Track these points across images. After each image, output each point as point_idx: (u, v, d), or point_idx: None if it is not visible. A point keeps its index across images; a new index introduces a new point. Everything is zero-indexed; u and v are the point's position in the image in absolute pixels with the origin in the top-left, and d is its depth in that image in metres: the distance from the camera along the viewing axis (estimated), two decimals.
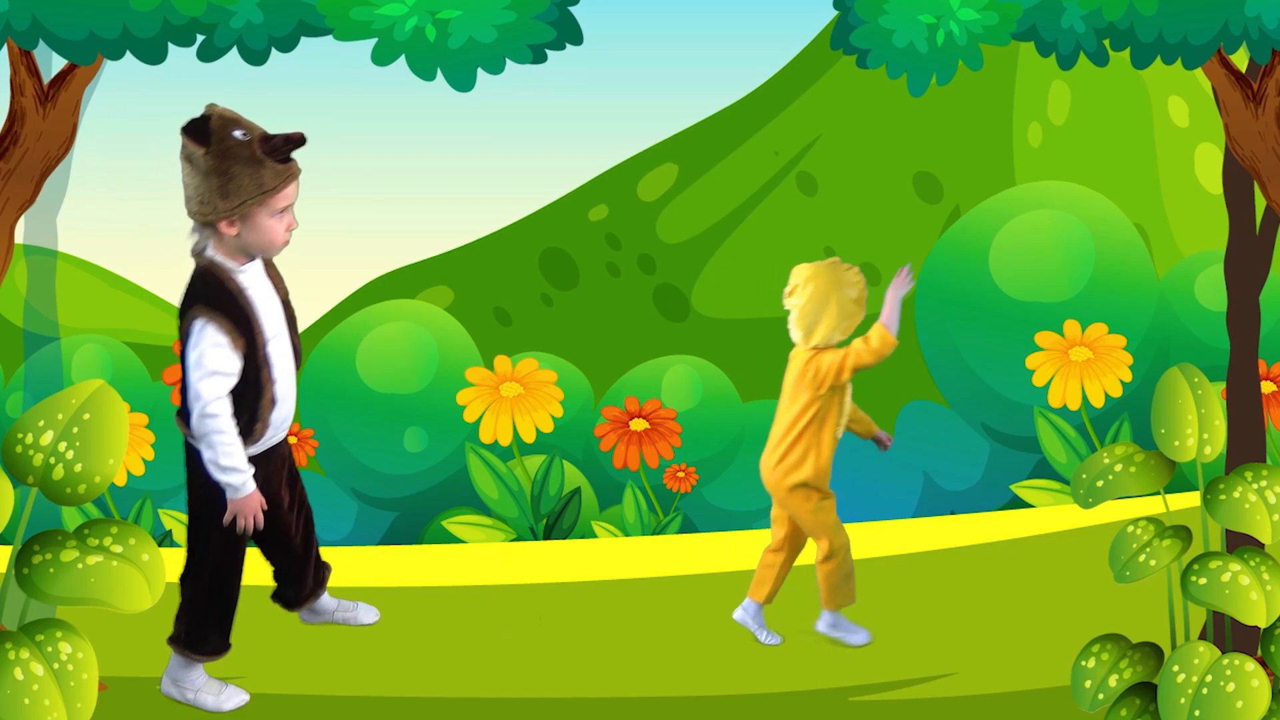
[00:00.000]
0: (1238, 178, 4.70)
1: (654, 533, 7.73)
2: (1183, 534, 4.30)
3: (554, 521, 7.67)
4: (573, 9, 3.79)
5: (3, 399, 7.49)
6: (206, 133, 4.37)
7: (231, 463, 4.47)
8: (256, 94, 4.67)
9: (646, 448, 7.77)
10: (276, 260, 4.67)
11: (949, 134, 8.39)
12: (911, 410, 8.16)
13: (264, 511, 4.62)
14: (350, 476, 7.69)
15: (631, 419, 7.80)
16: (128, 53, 3.76)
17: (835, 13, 3.99)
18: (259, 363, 4.50)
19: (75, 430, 3.92)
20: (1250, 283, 4.69)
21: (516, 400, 7.69)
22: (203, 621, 4.71)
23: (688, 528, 7.80)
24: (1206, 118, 8.18)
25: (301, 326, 4.73)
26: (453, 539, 7.56)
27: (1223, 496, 4.28)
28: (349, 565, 5.62)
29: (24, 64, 4.15)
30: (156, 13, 3.71)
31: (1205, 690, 4.14)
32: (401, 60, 3.75)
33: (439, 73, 3.75)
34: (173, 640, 4.74)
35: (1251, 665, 4.17)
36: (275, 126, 4.64)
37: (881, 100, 8.38)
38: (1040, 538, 6.80)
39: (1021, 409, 7.89)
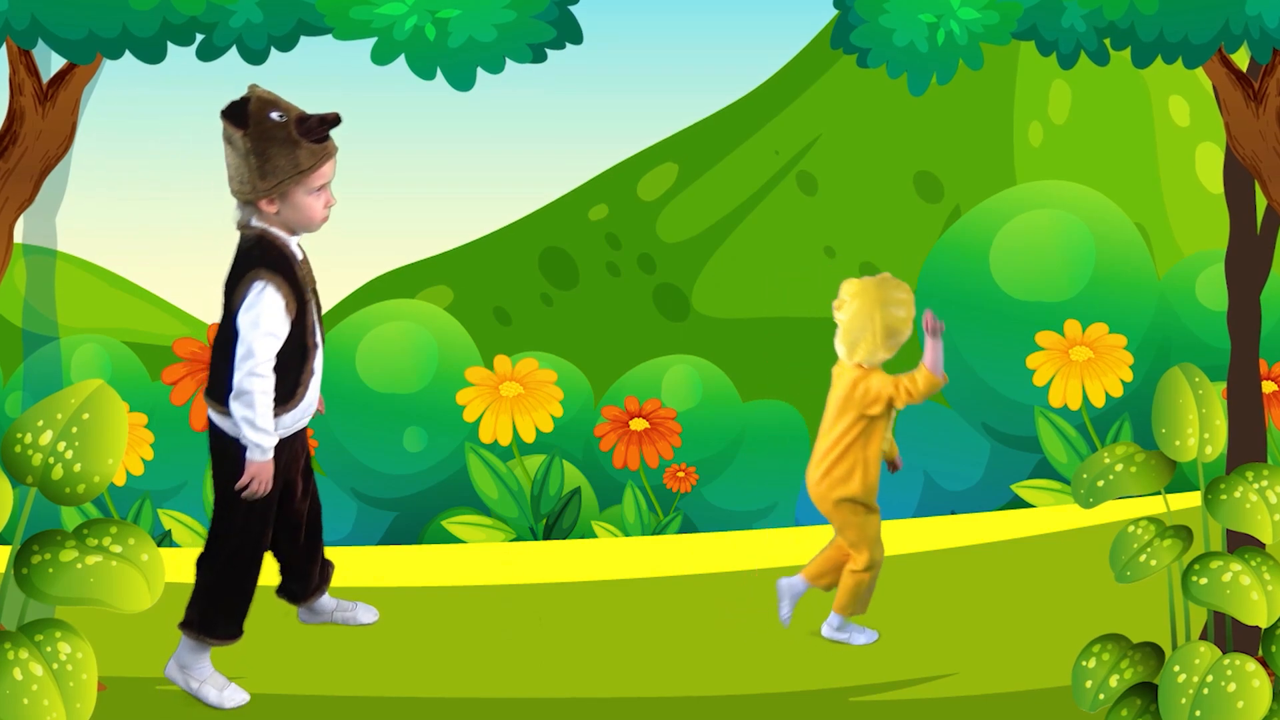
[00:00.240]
0: (1238, 177, 4.69)
1: (654, 533, 7.73)
2: (1183, 534, 4.30)
3: (554, 521, 7.66)
4: (573, 8, 3.79)
5: (2, 399, 7.49)
6: (244, 115, 4.51)
7: (267, 424, 4.56)
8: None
9: (646, 447, 7.77)
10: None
11: (949, 133, 8.39)
12: (912, 410, 8.13)
13: (280, 499, 4.70)
14: (350, 476, 7.69)
15: (631, 419, 7.79)
16: (127, 52, 3.76)
17: (835, 12, 3.98)
18: (305, 328, 4.63)
19: (74, 430, 3.92)
20: (1251, 282, 4.68)
21: (516, 400, 7.68)
22: (217, 605, 4.73)
23: (688, 528, 7.80)
24: (1207, 117, 8.18)
25: None
26: (452, 539, 7.56)
27: (1223, 496, 4.27)
28: (349, 565, 5.61)
29: (23, 63, 4.15)
30: (156, 12, 3.71)
31: (1206, 690, 4.14)
32: (401, 59, 3.74)
33: (439, 72, 3.74)
34: (184, 624, 4.75)
35: (1252, 665, 4.16)
36: None
37: (882, 100, 8.37)
38: (1041, 538, 6.80)
39: (1022, 409, 7.89)
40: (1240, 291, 4.69)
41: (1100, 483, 4.34)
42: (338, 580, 5.20)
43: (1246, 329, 4.68)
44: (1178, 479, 4.46)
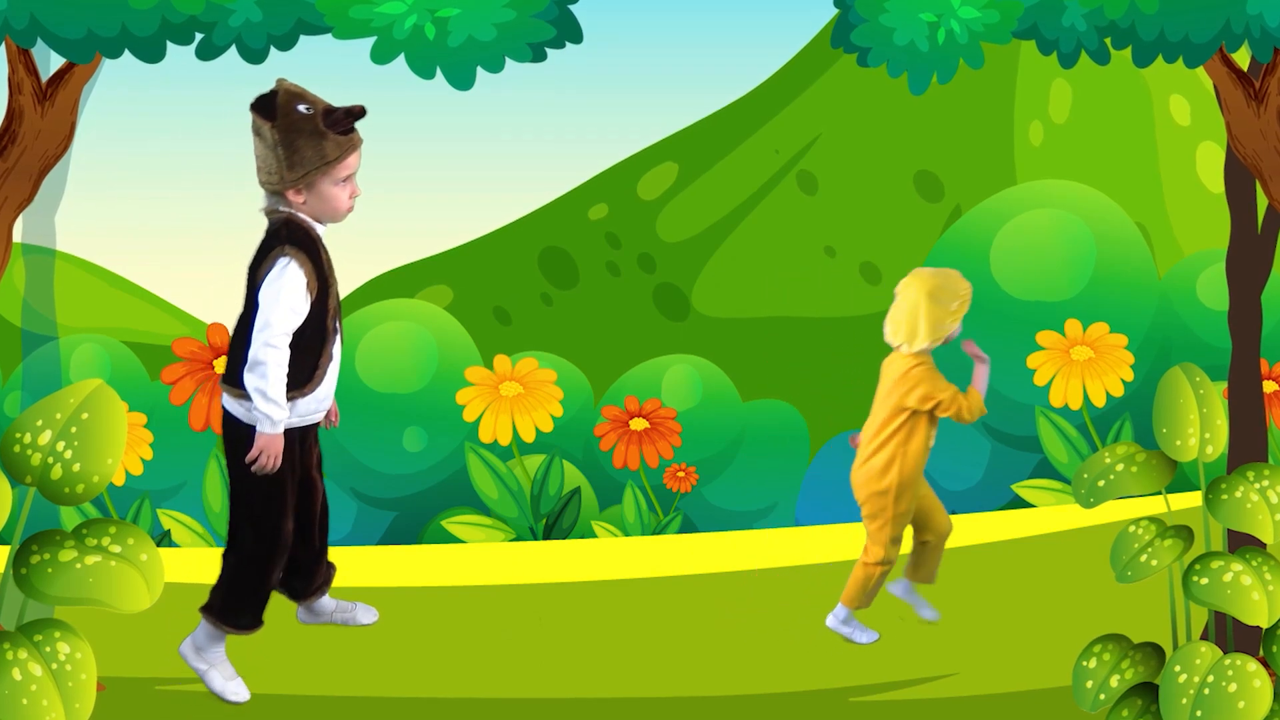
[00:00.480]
0: (1239, 176, 4.69)
1: (654, 533, 7.72)
2: (1184, 534, 4.29)
3: (554, 521, 7.66)
4: (572, 7, 3.78)
5: (1, 398, 7.48)
6: (273, 108, 4.60)
7: (279, 396, 4.61)
8: (255, 93, 4.68)
9: (646, 447, 7.76)
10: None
11: (950, 133, 8.39)
12: None
13: (300, 493, 4.77)
14: (349, 476, 7.68)
15: (631, 418, 7.79)
16: (126, 51, 3.75)
17: (836, 11, 3.97)
18: (326, 311, 4.70)
19: (73, 430, 3.91)
20: (1252, 282, 4.68)
21: (516, 400, 7.68)
22: (239, 595, 4.77)
23: (688, 528, 7.79)
24: (1208, 116, 8.17)
25: None
26: (452, 539, 7.55)
27: (1224, 496, 4.27)
28: (348, 565, 5.61)
29: (22, 62, 4.14)
30: (155, 11, 3.70)
31: (1207, 690, 4.13)
32: (401, 59, 3.74)
33: (438, 71, 3.74)
34: (206, 608, 4.79)
35: (1253, 665, 4.16)
36: None
37: (882, 99, 8.37)
38: (1041, 537, 6.80)
39: (1023, 408, 7.88)
40: (1241, 291, 4.69)
41: (1101, 482, 4.34)
42: (337, 580, 5.20)
43: (1247, 328, 4.68)
44: (1178, 479, 4.46)
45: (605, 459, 7.78)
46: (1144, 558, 4.24)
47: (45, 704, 3.73)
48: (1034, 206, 8.00)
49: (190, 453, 7.49)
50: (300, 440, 4.80)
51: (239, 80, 4.45)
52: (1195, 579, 4.20)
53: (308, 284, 4.64)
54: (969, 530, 6.99)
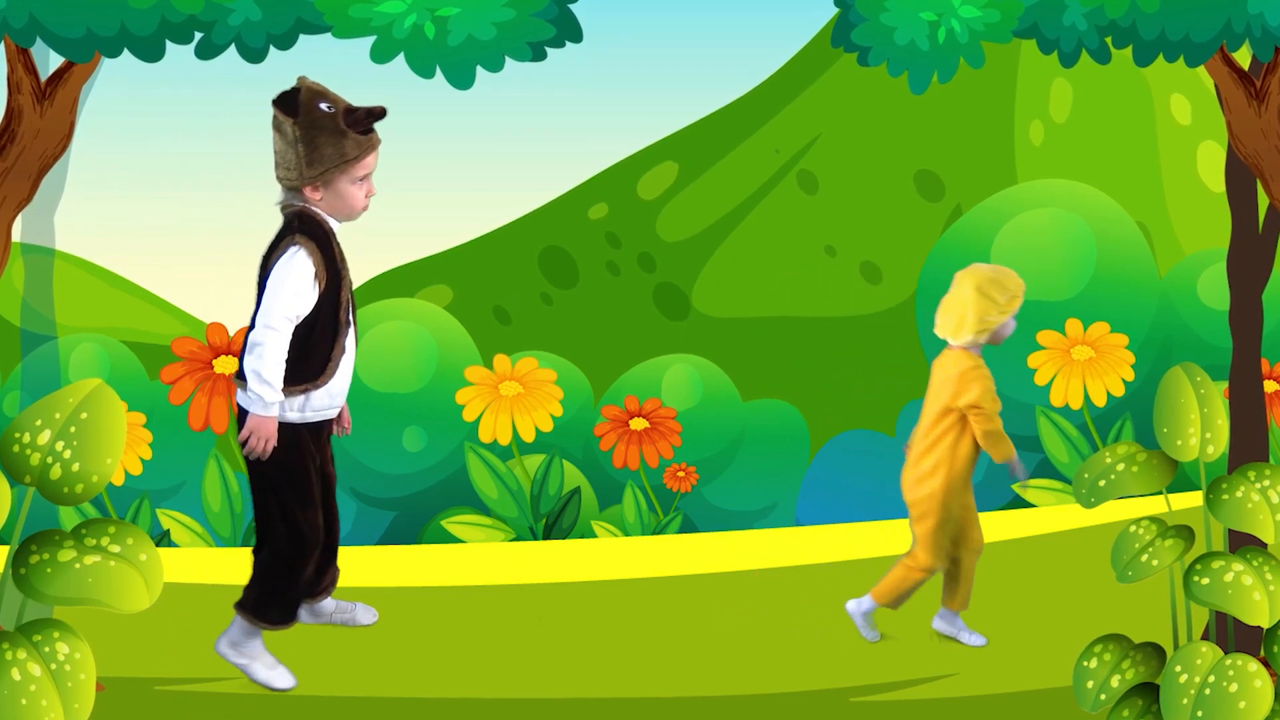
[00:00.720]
0: (1240, 176, 4.69)
1: (654, 532, 7.72)
2: (1185, 534, 4.29)
3: (554, 521, 7.65)
4: (572, 6, 3.78)
5: (0, 398, 7.47)
6: (295, 105, 4.65)
7: (274, 378, 4.63)
8: (254, 92, 4.68)
9: (646, 447, 7.75)
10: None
11: (950, 132, 8.38)
12: (913, 410, 8.12)
13: (318, 488, 4.78)
14: (349, 476, 7.68)
15: (631, 418, 7.78)
16: (125, 50, 3.74)
17: (836, 10, 3.97)
18: (339, 303, 4.72)
19: (73, 430, 3.91)
20: (1253, 281, 4.68)
21: (516, 399, 7.67)
22: (270, 591, 4.78)
23: (688, 528, 7.79)
24: (1209, 115, 8.17)
25: None
26: (452, 539, 7.55)
27: (1225, 496, 4.26)
28: (348, 565, 5.60)
29: (21, 61, 4.14)
30: (154, 10, 3.70)
31: (1208, 691, 4.13)
32: (400, 58, 3.74)
33: (438, 70, 3.73)
34: (239, 605, 4.82)
35: (1254, 666, 4.15)
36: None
37: (882, 98, 8.36)
38: (1042, 537, 6.80)
39: (1023, 408, 7.88)
40: (1242, 290, 4.68)
41: (1102, 482, 4.33)
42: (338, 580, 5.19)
43: (1248, 328, 4.68)
44: (1179, 479, 4.45)
45: (605, 459, 7.77)
46: (1145, 557, 4.24)
47: (44, 704, 3.72)
48: (1035, 206, 8.00)
49: (189, 452, 7.48)
50: (315, 435, 4.81)
51: (238, 80, 4.45)
52: (1196, 579, 4.20)
53: (316, 273, 4.67)
54: None
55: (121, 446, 3.97)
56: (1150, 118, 8.44)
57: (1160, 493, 4.39)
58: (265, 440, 4.66)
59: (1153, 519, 4.34)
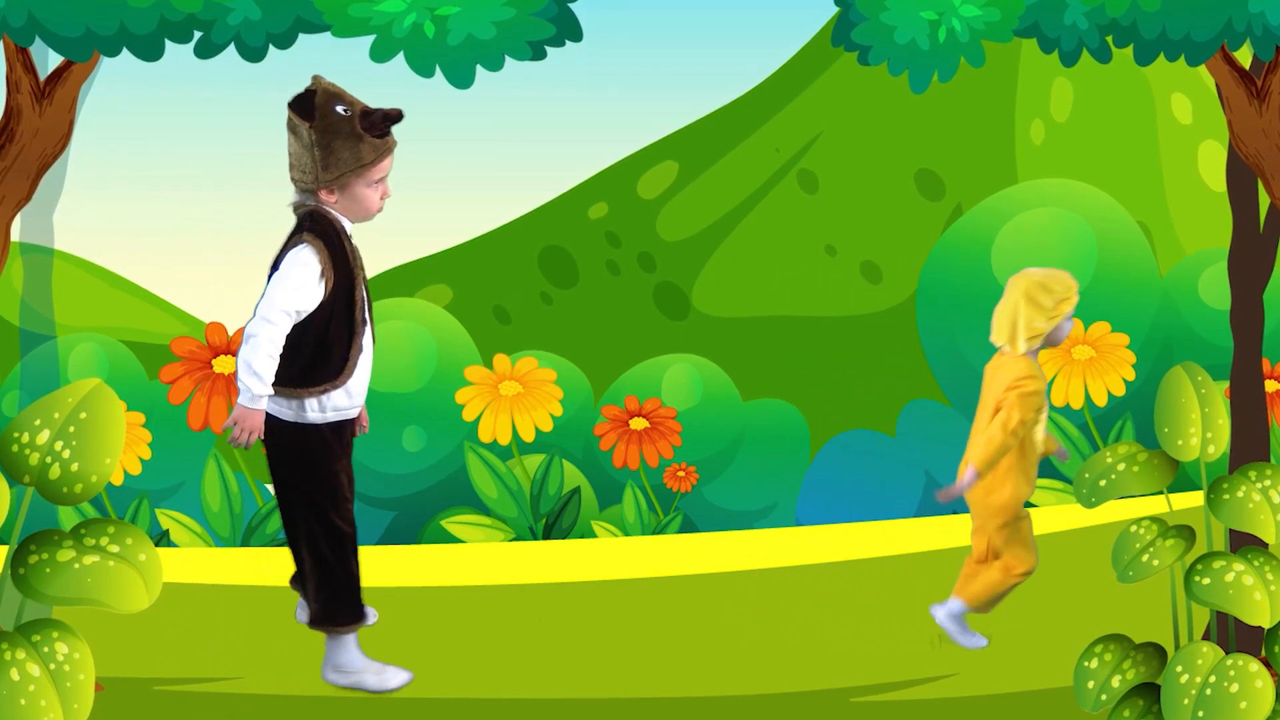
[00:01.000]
0: (1241, 175, 4.68)
1: (654, 532, 7.71)
2: (1186, 534, 4.28)
3: (553, 521, 7.65)
4: (572, 5, 3.77)
5: None
6: (311, 107, 4.61)
7: (262, 370, 4.59)
8: (254, 91, 4.67)
9: (646, 447, 7.75)
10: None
11: (951, 131, 8.38)
12: (914, 409, 8.15)
13: (346, 486, 4.75)
14: None
15: (631, 418, 7.78)
16: (124, 49, 3.74)
17: (836, 9, 3.96)
18: (354, 303, 4.70)
19: (72, 429, 3.90)
20: (1254, 281, 4.67)
21: (516, 399, 7.67)
22: (330, 594, 4.76)
23: (688, 527, 7.78)
24: (1210, 115, 8.17)
25: None
26: (451, 539, 7.54)
27: (1226, 496, 4.26)
28: None
29: (20, 61, 4.13)
30: (153, 9, 3.69)
31: (1209, 691, 4.12)
32: (400, 57, 3.73)
33: (437, 70, 3.73)
34: (314, 622, 4.80)
35: (1255, 666, 4.15)
36: (274, 125, 4.67)
37: (883, 97, 8.36)
38: (1043, 537, 6.75)
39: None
40: (1243, 290, 4.68)
41: (1102, 482, 4.32)
42: None
43: (1249, 328, 4.67)
44: (1180, 478, 4.44)
45: (605, 459, 7.77)
46: (1145, 557, 4.23)
47: (43, 704, 3.71)
48: (1035, 205, 7.99)
49: (189, 452, 7.48)
50: (338, 435, 4.78)
51: (238, 79, 4.44)
52: (1197, 579, 4.19)
53: (321, 270, 4.65)
54: (969, 530, 6.97)
55: (120, 446, 3.96)
56: (1151, 117, 8.44)
57: (1161, 492, 4.38)
58: (249, 432, 4.63)
59: (1154, 519, 4.33)
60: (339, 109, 4.62)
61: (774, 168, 8.54)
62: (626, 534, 7.68)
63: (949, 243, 8.04)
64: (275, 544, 7.42)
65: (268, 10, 3.72)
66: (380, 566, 6.54)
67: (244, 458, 7.52)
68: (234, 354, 7.27)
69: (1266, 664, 4.25)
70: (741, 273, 8.47)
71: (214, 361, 7.27)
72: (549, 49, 3.78)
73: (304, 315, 4.65)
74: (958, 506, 7.94)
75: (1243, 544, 4.42)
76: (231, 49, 3.74)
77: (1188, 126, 8.43)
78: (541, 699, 4.84)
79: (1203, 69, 4.27)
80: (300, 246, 4.65)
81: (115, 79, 4.74)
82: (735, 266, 8.49)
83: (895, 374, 8.14)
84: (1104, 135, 8.38)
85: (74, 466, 3.88)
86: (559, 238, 8.52)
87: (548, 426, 7.68)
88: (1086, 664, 4.31)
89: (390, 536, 7.73)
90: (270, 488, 7.70)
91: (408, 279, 8.31)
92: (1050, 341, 5.18)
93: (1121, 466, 4.33)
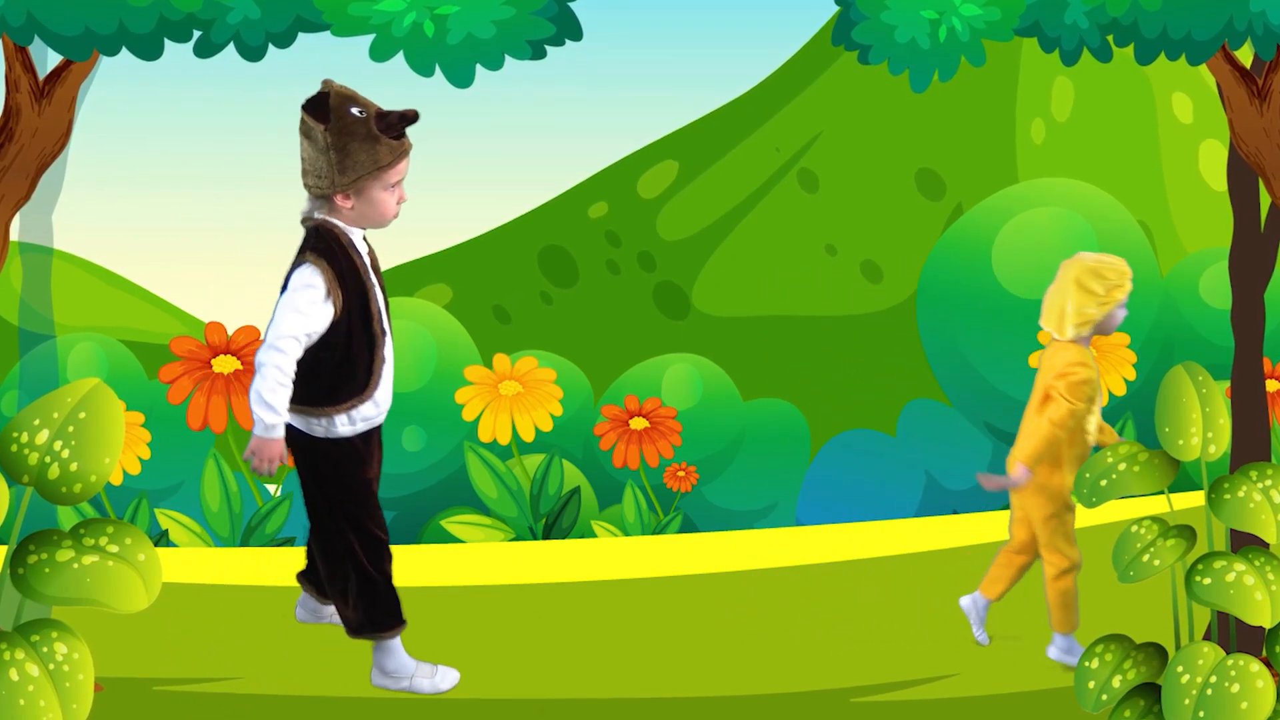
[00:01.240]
0: (1242, 174, 4.68)
1: (654, 532, 7.71)
2: (1187, 534, 4.28)
3: (553, 521, 7.65)
4: (572, 4, 3.77)
5: None
6: (326, 110, 4.52)
7: (274, 400, 4.54)
8: (253, 91, 4.66)
9: (646, 447, 7.75)
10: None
11: (951, 131, 8.38)
12: (914, 409, 8.15)
13: (375, 493, 4.75)
14: None
15: (631, 418, 7.77)
16: (124, 49, 3.73)
17: (836, 8, 3.96)
18: (371, 315, 4.66)
19: (71, 429, 3.89)
20: (1255, 280, 4.67)
21: (516, 399, 7.66)
22: (373, 600, 4.74)
23: (688, 527, 7.78)
24: (1211, 114, 8.17)
25: None
26: (451, 539, 7.54)
27: (1227, 496, 4.25)
28: None
29: (19, 60, 4.13)
30: (153, 8, 3.69)
31: (1210, 691, 4.12)
32: (399, 56, 3.72)
33: (437, 69, 3.72)
34: (354, 631, 4.76)
35: (1256, 666, 4.14)
36: (274, 124, 4.65)
37: (883, 97, 8.36)
38: None
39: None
40: (1244, 289, 4.67)
41: (1103, 482, 4.32)
42: None
43: (1250, 327, 4.67)
44: (1181, 478, 4.44)
45: (605, 458, 7.76)
46: (1146, 557, 4.23)
47: (42, 704, 3.71)
48: (1036, 205, 7.99)
49: (188, 452, 7.48)
50: (366, 443, 4.76)
51: (237, 79, 4.43)
52: (1198, 579, 4.19)
53: (327, 290, 4.57)
54: (971, 530, 6.98)
55: (120, 446, 3.95)
56: (1152, 116, 8.44)
57: (1162, 492, 4.37)
58: (269, 460, 4.61)
59: (1154, 519, 4.32)
60: (354, 110, 4.54)
61: (774, 167, 8.54)
62: (626, 534, 7.67)
63: (949, 242, 8.04)
64: (275, 544, 7.42)
65: (267, 9, 3.71)
66: None
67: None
68: (233, 353, 7.27)
69: (1267, 664, 4.25)
70: (741, 272, 8.47)
71: (213, 361, 7.27)
72: (549, 48, 3.78)
73: (315, 337, 4.59)
74: (958, 507, 7.95)
75: (1243, 544, 4.41)
76: (231, 48, 3.74)
77: (1188, 126, 8.43)
78: (542, 699, 4.84)
79: (1204, 68, 4.26)
80: (303, 268, 4.58)
81: (114, 78, 4.73)
82: (735, 266, 8.48)
83: (895, 374, 8.15)
84: (1105, 134, 8.38)
85: (73, 466, 3.88)
86: (559, 237, 8.52)
87: (548, 426, 7.68)
88: (1087, 664, 4.30)
89: (390, 536, 7.72)
90: (271, 489, 7.71)
91: (408, 279, 8.31)
92: (1102, 329, 5.05)
93: (1122, 466, 4.33)
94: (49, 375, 7.00)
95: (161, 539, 7.36)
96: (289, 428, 4.66)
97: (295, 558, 6.01)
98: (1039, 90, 8.41)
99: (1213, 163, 8.30)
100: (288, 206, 4.76)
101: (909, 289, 8.16)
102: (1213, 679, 4.13)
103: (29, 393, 7.01)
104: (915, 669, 5.06)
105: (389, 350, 4.77)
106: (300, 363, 4.59)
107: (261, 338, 4.63)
